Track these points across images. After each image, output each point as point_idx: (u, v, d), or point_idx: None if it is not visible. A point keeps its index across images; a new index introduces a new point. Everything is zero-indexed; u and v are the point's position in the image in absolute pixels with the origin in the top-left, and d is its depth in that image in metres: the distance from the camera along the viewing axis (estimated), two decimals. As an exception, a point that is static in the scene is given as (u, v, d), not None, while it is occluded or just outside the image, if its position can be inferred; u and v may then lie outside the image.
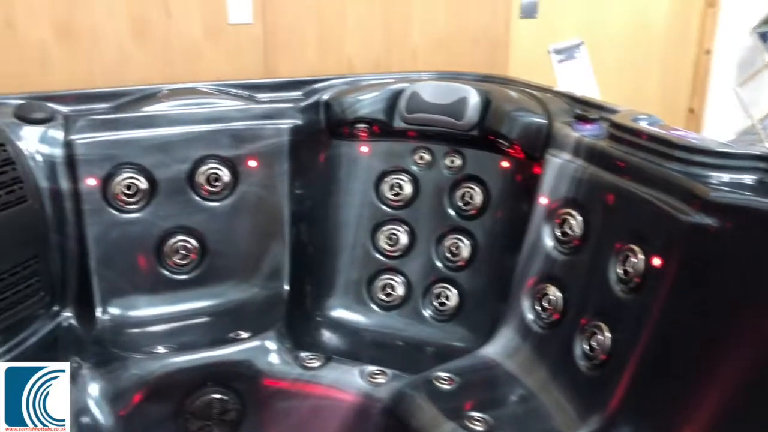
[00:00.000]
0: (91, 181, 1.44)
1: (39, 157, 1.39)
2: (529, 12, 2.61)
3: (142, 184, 1.48)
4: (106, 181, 1.46)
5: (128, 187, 1.47)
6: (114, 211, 1.47)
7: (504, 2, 2.17)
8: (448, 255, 1.59)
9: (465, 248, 1.57)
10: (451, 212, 1.60)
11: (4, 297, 1.27)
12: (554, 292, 1.28)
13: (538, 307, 1.31)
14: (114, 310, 1.46)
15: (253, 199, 1.57)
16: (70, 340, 1.41)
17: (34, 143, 1.40)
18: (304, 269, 1.61)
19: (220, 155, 1.53)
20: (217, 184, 1.53)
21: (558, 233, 1.30)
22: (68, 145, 1.43)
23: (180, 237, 1.52)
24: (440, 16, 2.11)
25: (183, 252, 1.52)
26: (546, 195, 1.33)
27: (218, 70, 1.94)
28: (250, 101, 1.64)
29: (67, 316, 1.44)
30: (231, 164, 1.54)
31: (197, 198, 1.53)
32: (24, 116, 1.41)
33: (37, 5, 1.70)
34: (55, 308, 1.42)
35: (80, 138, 1.44)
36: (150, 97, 1.59)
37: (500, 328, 1.37)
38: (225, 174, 1.54)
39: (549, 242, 1.31)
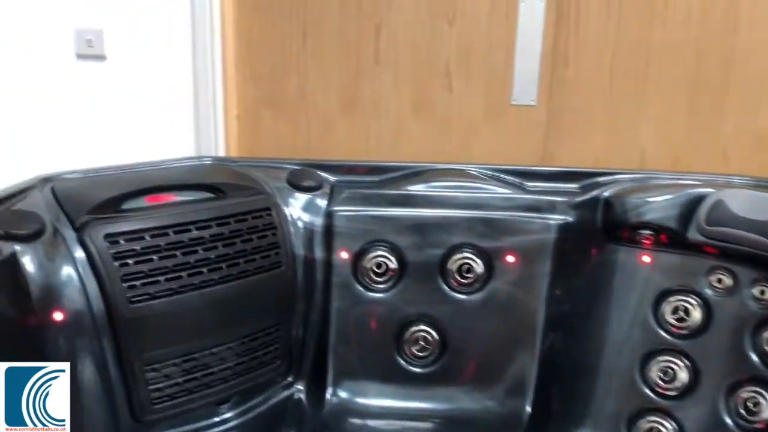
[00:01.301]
0: (344, 254, 1.42)
1: (300, 224, 1.41)
2: None
3: (392, 264, 1.41)
4: (358, 256, 1.42)
5: (378, 266, 1.41)
6: (361, 288, 1.42)
7: None
8: (743, 412, 1.24)
9: (768, 408, 1.21)
10: (754, 357, 1.25)
11: (242, 362, 1.27)
12: None
13: None
14: (343, 393, 1.40)
15: (505, 297, 1.41)
16: (297, 415, 1.37)
17: (299, 210, 1.42)
18: (553, 388, 1.39)
19: (476, 245, 1.41)
20: (469, 275, 1.40)
21: None
22: (329, 215, 1.42)
23: (422, 326, 1.42)
24: (764, 108, 1.74)
25: (422, 343, 1.41)
26: None
27: (493, 151, 1.84)
28: (519, 189, 1.48)
29: (299, 389, 1.41)
30: (487, 256, 1.40)
31: (446, 287, 1.42)
32: (295, 183, 1.44)
33: (328, 77, 1.78)
34: (289, 379, 1.40)
35: (341, 210, 1.43)
36: (417, 174, 1.53)
37: None
38: (479, 266, 1.40)
39: None
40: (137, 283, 1.13)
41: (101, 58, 1.92)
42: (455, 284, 1.41)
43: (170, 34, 1.91)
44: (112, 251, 1.12)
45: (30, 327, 1.04)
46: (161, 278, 1.15)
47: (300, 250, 1.39)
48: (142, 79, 1.93)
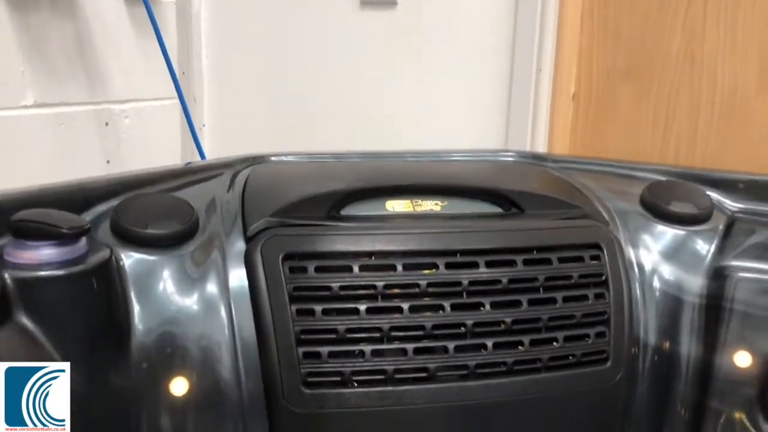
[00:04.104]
0: (744, 360, 0.70)
1: (655, 284, 0.73)
2: None
3: None
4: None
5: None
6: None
7: None
8: None
9: None
10: None
11: None
12: None
13: None
14: None
15: None
16: None
17: (655, 255, 0.74)
18: None
19: None
20: None
21: None
22: (719, 273, 0.72)
23: None
24: None
25: None
26: None
27: None
28: None
29: None
30: None
31: None
32: (656, 204, 0.76)
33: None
34: None
35: (749, 268, 0.71)
36: None
37: None
38: None
39: None
40: (326, 349, 0.61)
41: (391, 4, 1.50)
42: None
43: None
44: (294, 285, 0.62)
45: (120, 397, 0.58)
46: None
47: (644, 333, 0.72)
48: (439, 30, 1.47)
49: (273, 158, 0.85)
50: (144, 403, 0.59)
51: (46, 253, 0.52)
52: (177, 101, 1.35)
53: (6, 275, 0.50)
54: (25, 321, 0.51)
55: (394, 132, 1.47)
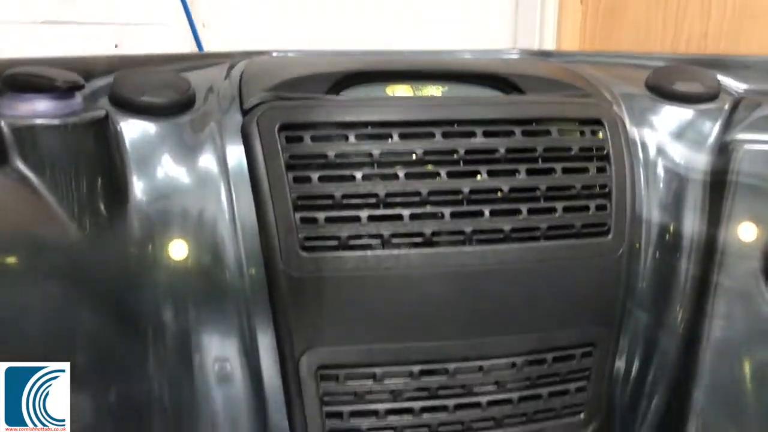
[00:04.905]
0: (747, 234, 0.69)
1: (659, 162, 0.72)
2: None
3: None
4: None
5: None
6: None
7: None
8: None
9: None
10: None
11: (519, 398, 0.67)
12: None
13: None
14: None
15: None
16: None
17: (660, 133, 0.73)
18: None
19: None
20: None
21: None
22: (725, 149, 0.71)
23: None
24: None
25: None
26: None
27: None
28: None
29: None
30: None
31: None
32: (662, 86, 0.75)
33: None
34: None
35: (756, 141, 0.70)
36: None
37: None
38: None
39: None
40: (323, 215, 0.62)
41: None
42: None
43: None
44: (290, 154, 0.63)
45: (124, 264, 0.59)
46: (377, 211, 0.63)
47: (647, 210, 0.71)
48: None
49: (274, 53, 0.85)
50: (143, 266, 0.60)
51: (41, 105, 0.53)
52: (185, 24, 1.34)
53: (2, 123, 0.51)
54: (23, 168, 0.52)
55: (399, 31, 1.43)
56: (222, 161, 0.64)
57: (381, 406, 0.65)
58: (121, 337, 0.58)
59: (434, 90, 0.74)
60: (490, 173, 0.64)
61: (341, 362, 0.64)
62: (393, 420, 0.65)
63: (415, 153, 0.64)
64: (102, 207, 0.56)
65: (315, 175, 0.62)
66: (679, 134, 0.74)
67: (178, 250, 0.61)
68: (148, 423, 0.61)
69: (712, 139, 0.73)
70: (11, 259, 0.51)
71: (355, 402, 0.64)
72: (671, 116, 0.75)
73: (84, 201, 0.55)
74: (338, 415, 0.64)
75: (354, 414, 0.65)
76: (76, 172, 0.54)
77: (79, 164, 0.55)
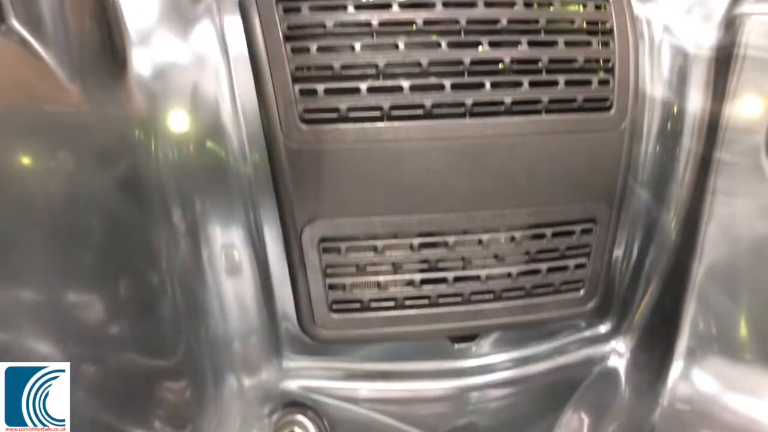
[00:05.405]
0: (750, 110, 0.69)
1: (664, 38, 0.71)
2: None
3: None
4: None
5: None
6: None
7: None
8: None
9: None
10: None
11: (518, 272, 0.67)
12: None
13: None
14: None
15: None
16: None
17: (666, 7, 0.72)
18: None
19: None
20: None
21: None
22: (733, 22, 0.69)
23: None
24: None
25: None
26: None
27: None
28: None
29: (618, 351, 0.77)
30: None
31: None
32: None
33: None
34: (602, 330, 0.77)
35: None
36: None
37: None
38: None
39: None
40: (322, 86, 0.61)
41: None
42: None
43: None
44: (288, 24, 0.62)
45: (119, 124, 0.60)
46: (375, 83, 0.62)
47: (651, 87, 0.70)
48: None
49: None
50: (143, 133, 0.60)
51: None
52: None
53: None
54: (21, 29, 0.51)
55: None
56: (221, 35, 0.63)
57: (382, 278, 0.66)
58: (126, 205, 0.59)
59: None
60: (492, 44, 0.64)
61: (342, 234, 0.65)
62: (394, 291, 0.66)
63: (415, 23, 0.63)
64: (102, 75, 0.56)
65: (313, 46, 0.61)
66: (687, 10, 0.72)
67: (179, 119, 0.61)
68: (159, 313, 0.62)
69: (720, 13, 0.71)
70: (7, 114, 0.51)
71: (357, 274, 0.66)
72: (677, -9, 0.73)
73: (85, 67, 0.54)
74: (341, 287, 0.66)
75: (356, 285, 0.66)
76: (76, 36, 0.54)
77: (78, 32, 0.54)
